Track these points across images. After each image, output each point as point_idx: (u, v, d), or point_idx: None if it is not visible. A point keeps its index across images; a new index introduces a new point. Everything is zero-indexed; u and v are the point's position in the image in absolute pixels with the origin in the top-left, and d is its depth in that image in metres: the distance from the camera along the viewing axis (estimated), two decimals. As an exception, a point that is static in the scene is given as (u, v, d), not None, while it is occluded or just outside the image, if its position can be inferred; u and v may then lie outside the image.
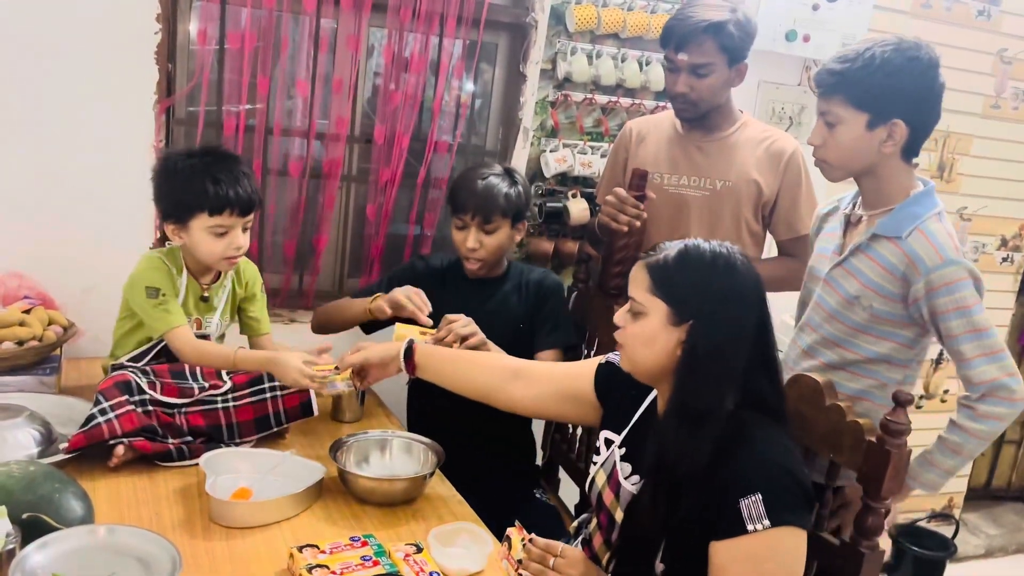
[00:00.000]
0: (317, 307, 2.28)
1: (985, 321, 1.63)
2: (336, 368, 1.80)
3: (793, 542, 1.28)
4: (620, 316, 1.43)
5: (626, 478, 1.46)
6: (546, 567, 1.36)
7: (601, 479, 1.52)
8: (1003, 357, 1.62)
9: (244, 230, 1.87)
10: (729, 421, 1.32)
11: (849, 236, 1.81)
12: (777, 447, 1.32)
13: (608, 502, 1.49)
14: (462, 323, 1.91)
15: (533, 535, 1.40)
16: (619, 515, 1.46)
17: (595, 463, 1.56)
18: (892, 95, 1.65)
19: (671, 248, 1.39)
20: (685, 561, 1.34)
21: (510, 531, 1.42)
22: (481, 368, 1.73)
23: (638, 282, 1.40)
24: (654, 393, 1.51)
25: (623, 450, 1.51)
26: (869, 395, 1.79)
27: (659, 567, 1.38)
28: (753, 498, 1.25)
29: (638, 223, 2.08)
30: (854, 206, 1.83)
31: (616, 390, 1.60)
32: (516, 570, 1.38)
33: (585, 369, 1.67)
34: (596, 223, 2.29)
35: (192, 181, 1.80)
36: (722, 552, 1.28)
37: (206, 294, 1.96)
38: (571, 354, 2.29)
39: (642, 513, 1.38)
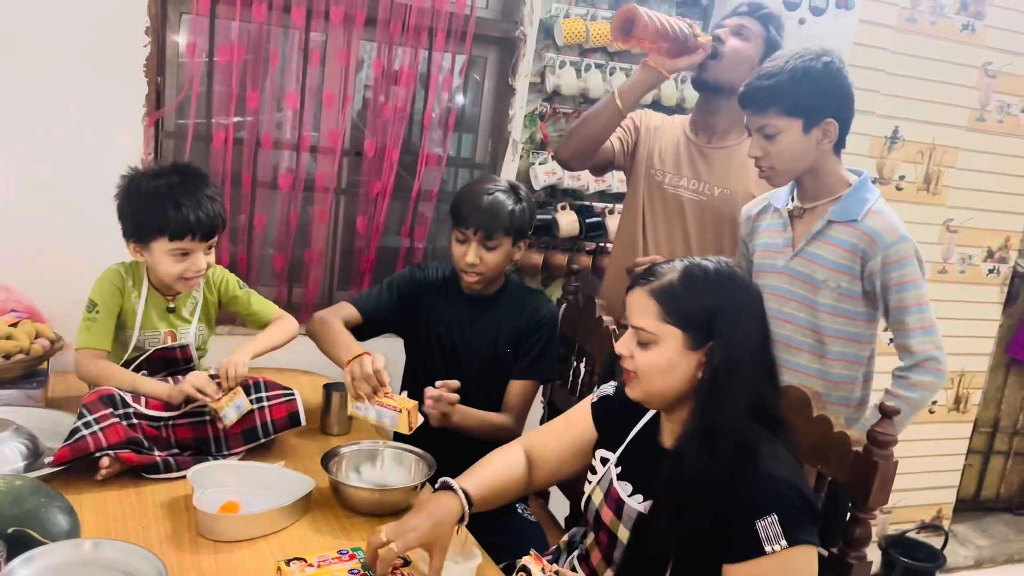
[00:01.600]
0: (318, 311, 2.14)
1: (927, 296, 1.79)
2: (223, 394, 1.79)
3: (807, 560, 1.28)
4: (625, 345, 1.41)
5: (629, 496, 1.44)
6: None
7: (598, 497, 1.51)
8: (935, 331, 1.79)
9: (207, 251, 1.86)
10: (739, 435, 1.32)
11: (798, 228, 1.90)
12: (783, 463, 1.32)
13: (608, 520, 1.48)
14: (449, 398, 1.87)
15: (557, 567, 1.35)
16: (622, 533, 1.43)
17: (590, 481, 1.55)
18: (820, 98, 1.78)
19: (671, 271, 1.38)
20: None
21: (527, 560, 1.34)
22: (510, 480, 1.60)
23: (644, 311, 1.38)
24: (650, 414, 1.51)
25: (619, 468, 1.50)
26: (851, 379, 1.89)
27: None
28: (769, 519, 1.25)
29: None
30: (793, 202, 1.92)
31: (610, 413, 1.60)
32: None
33: (580, 416, 1.64)
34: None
35: (154, 204, 1.78)
36: (738, 574, 1.28)
37: (172, 305, 1.95)
38: (545, 387, 2.29)
39: (654, 534, 1.36)
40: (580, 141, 2.26)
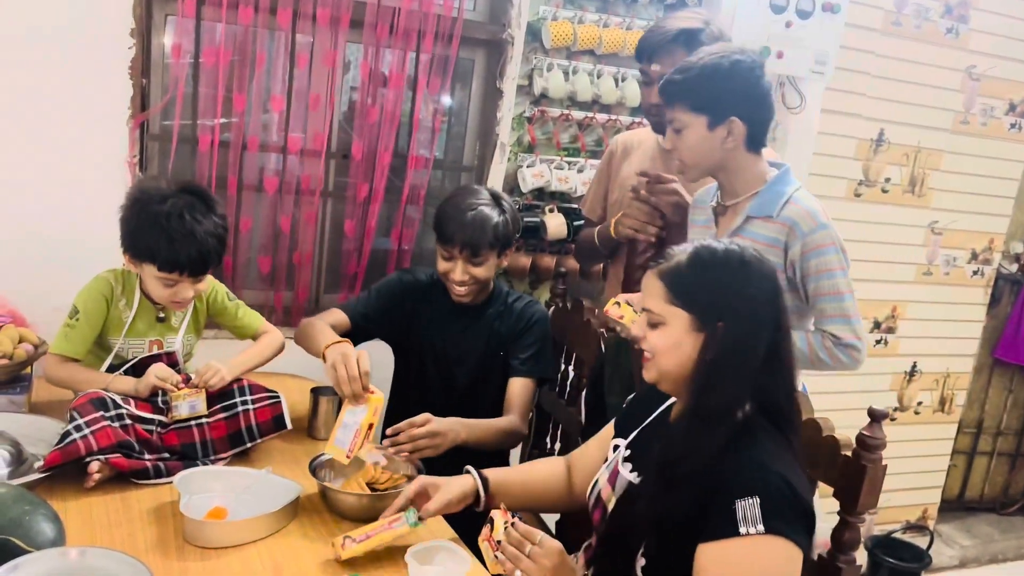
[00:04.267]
0: (305, 318, 2.15)
1: (847, 285, 1.79)
2: (186, 386, 1.79)
3: (784, 555, 1.22)
4: (639, 327, 1.41)
5: (625, 467, 1.45)
6: (522, 553, 1.34)
7: (603, 479, 1.51)
8: (856, 321, 1.79)
9: (196, 283, 1.85)
10: (742, 424, 1.30)
11: (722, 225, 1.91)
12: (783, 460, 1.29)
13: (605, 496, 1.48)
14: (422, 433, 1.80)
15: (517, 519, 1.38)
16: (611, 505, 1.44)
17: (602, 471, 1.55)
18: (724, 96, 1.78)
19: (682, 253, 1.38)
20: (668, 558, 1.31)
21: (494, 513, 1.40)
22: (544, 486, 1.71)
23: (653, 292, 1.38)
24: (669, 401, 1.50)
25: (628, 452, 1.49)
26: None
27: (640, 562, 1.35)
28: (751, 500, 1.21)
29: (663, 233, 2.07)
30: (718, 199, 1.93)
31: (631, 406, 1.61)
32: (495, 551, 1.37)
33: (611, 426, 1.67)
34: (600, 233, 2.24)
35: (151, 231, 1.76)
36: (708, 554, 1.24)
37: (162, 315, 1.94)
38: (544, 388, 2.27)
39: (636, 505, 1.36)
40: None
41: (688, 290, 1.35)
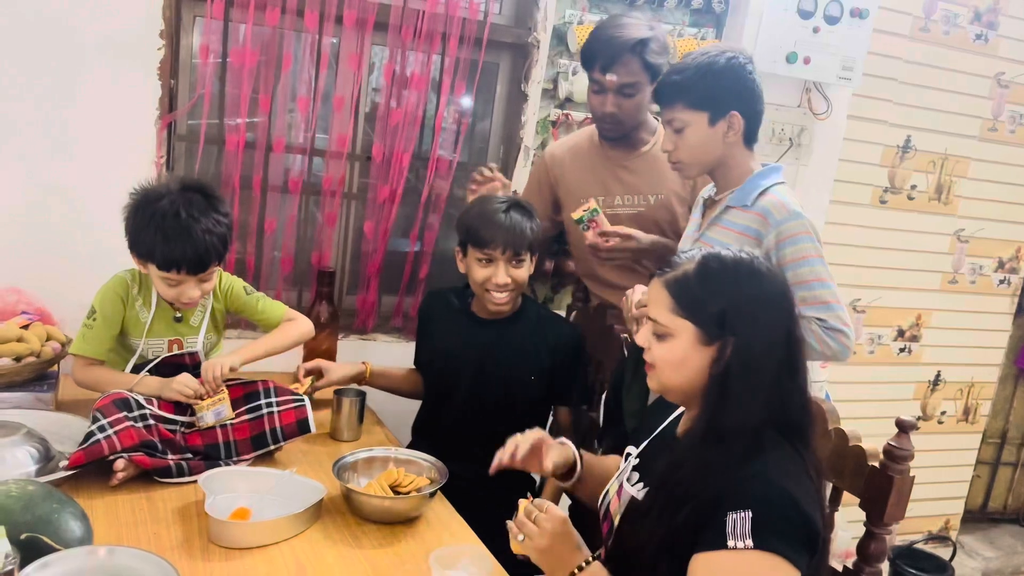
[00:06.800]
0: None
1: (826, 273, 1.79)
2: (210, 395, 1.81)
3: (773, 572, 1.16)
4: (643, 337, 1.37)
5: (632, 484, 1.42)
6: (528, 519, 1.36)
7: (613, 489, 1.49)
8: (837, 307, 1.78)
9: (201, 281, 1.83)
10: (751, 438, 1.25)
11: (707, 216, 1.95)
12: (787, 473, 1.22)
13: (613, 509, 1.46)
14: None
15: (534, 499, 1.40)
16: (618, 520, 1.41)
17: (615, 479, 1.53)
18: (723, 92, 1.83)
19: (689, 262, 1.32)
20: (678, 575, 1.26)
21: (521, 501, 1.41)
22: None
23: (659, 302, 1.33)
24: (679, 411, 1.47)
25: (637, 461, 1.47)
26: None
27: None
28: (743, 514, 1.16)
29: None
30: (712, 194, 1.97)
31: (648, 413, 1.59)
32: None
33: None
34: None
35: (147, 230, 1.75)
36: (699, 564, 1.19)
37: (179, 315, 1.94)
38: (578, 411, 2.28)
39: (640, 521, 1.33)
40: None
41: (695, 302, 1.29)
